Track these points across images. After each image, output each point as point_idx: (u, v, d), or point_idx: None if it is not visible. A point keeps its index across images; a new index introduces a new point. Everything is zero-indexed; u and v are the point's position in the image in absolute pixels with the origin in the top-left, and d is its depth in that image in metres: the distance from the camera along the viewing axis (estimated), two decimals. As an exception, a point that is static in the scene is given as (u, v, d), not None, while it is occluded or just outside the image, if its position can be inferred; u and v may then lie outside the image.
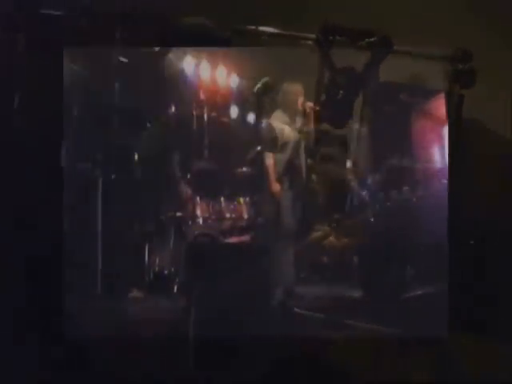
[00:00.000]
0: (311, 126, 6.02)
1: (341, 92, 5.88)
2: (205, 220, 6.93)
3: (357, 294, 6.02)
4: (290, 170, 6.00)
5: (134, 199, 7.00)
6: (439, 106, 5.60)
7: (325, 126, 6.02)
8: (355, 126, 6.46)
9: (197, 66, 7.31)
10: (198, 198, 7.01)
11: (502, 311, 4.40)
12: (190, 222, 6.91)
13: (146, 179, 7.13)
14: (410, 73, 6.07)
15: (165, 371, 4.32)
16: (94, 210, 6.55)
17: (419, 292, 5.60)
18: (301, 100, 5.99)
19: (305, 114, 5.98)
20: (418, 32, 4.65)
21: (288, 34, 4.13)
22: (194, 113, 7.19)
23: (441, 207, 4.59)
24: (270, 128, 6.06)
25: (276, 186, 5.93)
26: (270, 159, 5.96)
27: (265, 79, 6.31)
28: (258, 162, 6.45)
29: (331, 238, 7.12)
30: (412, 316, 4.92)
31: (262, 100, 6.56)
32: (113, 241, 6.66)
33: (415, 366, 4.24)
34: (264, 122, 6.44)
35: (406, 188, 6.23)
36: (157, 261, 6.91)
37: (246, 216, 7.06)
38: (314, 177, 6.56)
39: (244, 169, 7.22)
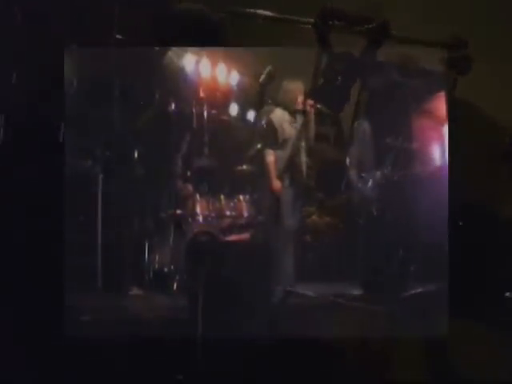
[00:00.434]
0: (311, 124, 6.01)
1: (339, 77, 5.93)
2: (205, 218, 6.92)
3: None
4: (290, 168, 5.99)
5: (134, 196, 7.00)
6: (435, 88, 5.65)
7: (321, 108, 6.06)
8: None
9: (197, 63, 7.30)
10: (197, 196, 7.00)
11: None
12: (189, 220, 6.90)
13: (146, 176, 7.13)
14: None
15: (165, 371, 4.32)
16: (94, 208, 6.55)
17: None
18: (301, 98, 5.98)
19: (305, 111, 5.96)
20: (416, 19, 4.67)
21: (284, 18, 4.13)
22: (194, 110, 7.16)
23: (436, 188, 4.62)
24: (270, 123, 6.06)
25: (276, 184, 5.92)
26: (270, 156, 5.96)
27: (268, 68, 6.36)
28: (258, 160, 6.43)
29: (314, 217, 7.18)
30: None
31: (267, 90, 6.60)
32: (113, 238, 6.67)
33: (415, 365, 4.24)
34: (264, 119, 6.44)
35: (399, 168, 6.25)
36: (157, 258, 6.91)
37: (246, 214, 7.05)
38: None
39: (244, 166, 7.21)
